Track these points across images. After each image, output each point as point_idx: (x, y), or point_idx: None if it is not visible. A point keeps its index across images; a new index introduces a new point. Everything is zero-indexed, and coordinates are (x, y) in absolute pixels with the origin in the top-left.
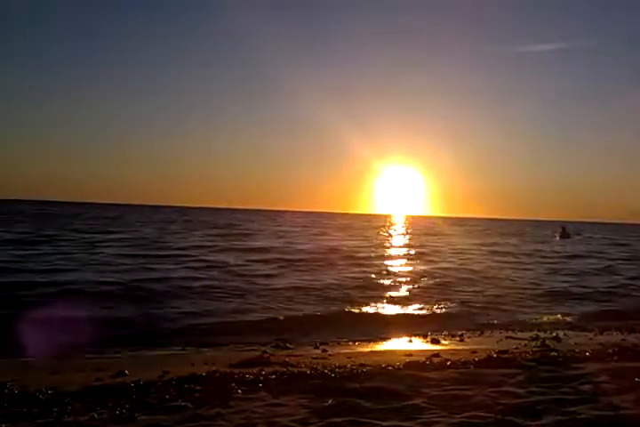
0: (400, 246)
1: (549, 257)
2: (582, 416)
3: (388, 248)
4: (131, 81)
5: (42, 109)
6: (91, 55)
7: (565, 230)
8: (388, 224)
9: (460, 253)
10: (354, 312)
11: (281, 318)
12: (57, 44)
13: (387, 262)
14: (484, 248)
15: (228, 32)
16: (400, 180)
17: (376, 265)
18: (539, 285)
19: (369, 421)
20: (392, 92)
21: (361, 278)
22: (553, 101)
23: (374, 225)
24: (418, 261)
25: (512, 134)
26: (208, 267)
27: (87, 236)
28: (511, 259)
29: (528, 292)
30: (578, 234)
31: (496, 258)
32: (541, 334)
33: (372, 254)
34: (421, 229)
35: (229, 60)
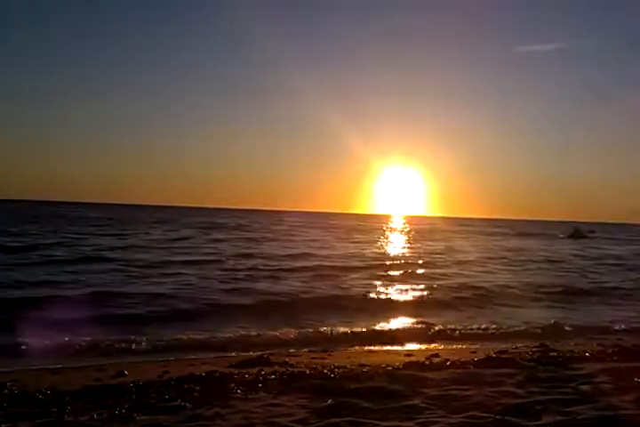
0: (466, 252)
1: None
2: (582, 417)
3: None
4: (131, 81)
5: (42, 109)
6: (91, 55)
7: (580, 231)
8: (404, 226)
9: (557, 261)
10: None
11: None
12: (57, 44)
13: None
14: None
15: (228, 32)
16: (400, 180)
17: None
18: None
19: (368, 421)
20: (392, 93)
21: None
22: (553, 101)
23: (389, 226)
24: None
25: (512, 134)
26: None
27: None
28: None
29: None
30: (591, 231)
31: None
32: None
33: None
34: (445, 232)
35: (229, 60)
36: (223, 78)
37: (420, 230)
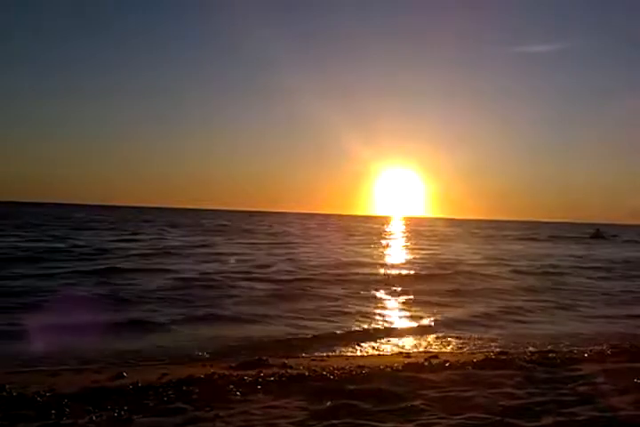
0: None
1: None
2: (581, 417)
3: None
4: (131, 81)
5: (42, 109)
6: (91, 55)
7: (600, 231)
8: (427, 229)
9: None
10: None
11: None
12: (57, 44)
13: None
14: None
15: (228, 32)
16: (399, 181)
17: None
18: None
19: (368, 423)
20: (392, 93)
21: None
22: (553, 102)
23: (411, 229)
24: None
25: (511, 135)
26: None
27: None
28: None
29: None
30: (613, 236)
31: None
32: None
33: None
34: (467, 236)
35: (229, 60)
36: (223, 78)
37: (445, 234)
